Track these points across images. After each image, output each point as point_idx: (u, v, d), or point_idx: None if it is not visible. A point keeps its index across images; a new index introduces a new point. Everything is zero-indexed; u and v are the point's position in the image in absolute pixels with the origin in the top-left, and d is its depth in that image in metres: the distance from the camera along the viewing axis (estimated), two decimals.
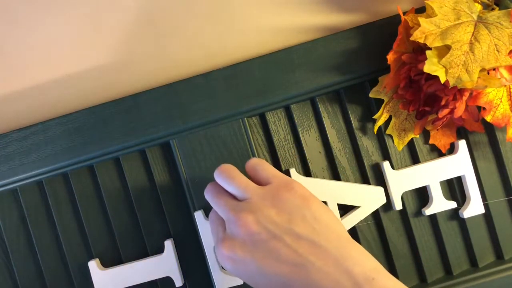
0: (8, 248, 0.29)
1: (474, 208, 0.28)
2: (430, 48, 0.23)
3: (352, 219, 0.28)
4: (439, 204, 0.28)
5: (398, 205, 0.28)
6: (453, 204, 0.28)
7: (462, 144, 0.28)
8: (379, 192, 0.28)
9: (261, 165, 0.24)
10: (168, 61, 0.29)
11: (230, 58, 0.29)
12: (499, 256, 0.29)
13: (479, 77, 0.22)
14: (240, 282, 0.28)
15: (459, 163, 0.28)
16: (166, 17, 0.29)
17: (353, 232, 0.29)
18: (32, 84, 0.29)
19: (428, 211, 0.28)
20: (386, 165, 0.28)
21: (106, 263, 0.29)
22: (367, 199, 0.28)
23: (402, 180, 0.28)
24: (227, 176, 0.23)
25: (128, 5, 0.29)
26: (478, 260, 0.29)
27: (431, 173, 0.28)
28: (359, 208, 0.28)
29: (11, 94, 0.30)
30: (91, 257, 0.29)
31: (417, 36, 0.22)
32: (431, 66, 0.22)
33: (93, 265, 0.28)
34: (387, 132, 0.28)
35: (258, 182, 0.23)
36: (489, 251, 0.29)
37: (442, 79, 0.22)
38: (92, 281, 0.27)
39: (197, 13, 0.29)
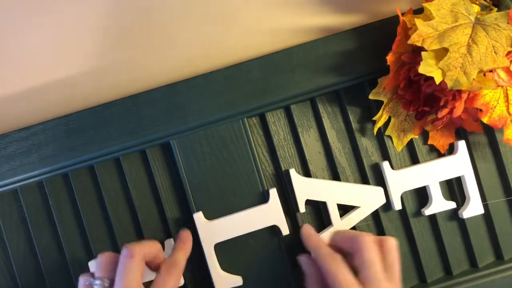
0: (8, 248, 0.29)
1: (473, 208, 0.28)
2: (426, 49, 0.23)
3: (352, 219, 0.28)
4: (439, 204, 0.28)
5: (397, 205, 0.28)
6: (452, 205, 0.28)
7: (461, 144, 0.28)
8: (378, 192, 0.28)
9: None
10: (168, 61, 0.30)
11: (230, 59, 0.29)
12: (499, 256, 0.29)
13: (474, 79, 0.22)
14: (240, 282, 0.28)
15: (458, 164, 0.28)
16: (166, 17, 0.29)
17: None
18: (33, 85, 0.30)
19: (428, 211, 0.28)
20: (385, 165, 0.28)
21: None
22: (367, 199, 0.28)
23: (401, 180, 0.28)
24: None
25: (129, 6, 0.29)
26: (478, 260, 0.29)
27: (430, 173, 0.28)
28: (359, 208, 0.28)
29: (12, 95, 0.30)
30: (91, 257, 0.29)
31: (415, 39, 0.23)
32: (427, 67, 0.23)
33: (93, 265, 0.28)
34: (387, 133, 0.28)
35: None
36: (489, 251, 0.29)
37: (437, 80, 0.22)
38: None
39: (197, 13, 0.29)
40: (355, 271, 0.23)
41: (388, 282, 0.23)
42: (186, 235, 0.27)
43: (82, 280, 0.24)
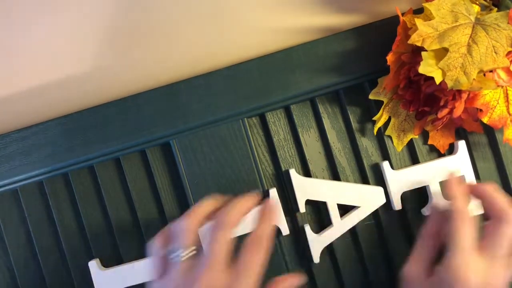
0: (8, 248, 0.29)
1: (474, 208, 0.28)
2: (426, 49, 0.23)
3: (352, 219, 0.28)
4: (439, 204, 0.28)
5: (397, 205, 0.28)
6: None
7: (461, 144, 0.28)
8: (378, 192, 0.28)
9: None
10: (168, 61, 0.30)
11: (230, 59, 0.29)
12: None
13: (474, 79, 0.22)
14: None
15: (458, 163, 0.28)
16: (166, 17, 0.29)
17: (353, 233, 0.29)
18: (33, 85, 0.30)
19: (428, 211, 0.28)
20: (385, 165, 0.28)
21: (106, 263, 0.29)
22: (367, 199, 0.28)
23: (401, 180, 0.28)
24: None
25: (129, 6, 0.29)
26: None
27: (431, 173, 0.28)
28: (359, 208, 0.28)
29: (12, 95, 0.30)
30: (91, 257, 0.29)
31: (415, 39, 0.23)
32: (427, 67, 0.23)
33: (93, 265, 0.28)
34: (387, 133, 0.28)
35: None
36: None
37: (438, 80, 0.22)
38: (92, 281, 0.27)
39: (197, 14, 0.29)
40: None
41: (505, 265, 0.23)
42: (270, 205, 0.25)
43: (151, 249, 0.23)
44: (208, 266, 0.21)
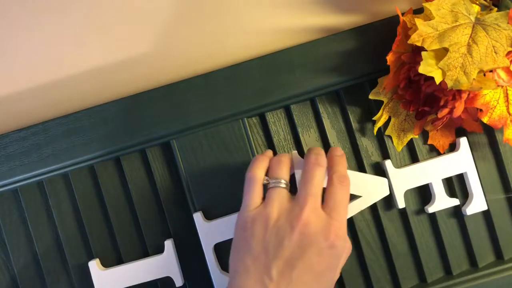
0: (8, 248, 0.29)
1: (477, 204, 0.28)
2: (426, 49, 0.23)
3: (353, 208, 0.27)
4: (442, 201, 0.28)
5: (401, 203, 0.28)
6: (455, 201, 0.28)
7: (463, 141, 0.28)
8: (382, 183, 0.27)
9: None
10: (168, 61, 0.30)
11: (230, 59, 0.29)
12: (499, 256, 0.29)
13: (474, 79, 0.22)
14: None
15: (461, 160, 0.28)
16: (165, 17, 0.29)
17: (353, 232, 0.29)
18: (33, 85, 0.30)
19: (431, 208, 0.28)
20: (388, 163, 0.28)
21: (106, 263, 0.29)
22: (370, 189, 0.27)
23: (404, 178, 0.28)
24: None
25: (128, 6, 0.29)
26: (478, 260, 0.29)
27: (433, 171, 0.28)
28: (361, 198, 0.27)
29: (12, 95, 0.30)
30: (91, 257, 0.29)
31: (415, 39, 0.23)
32: (427, 67, 0.23)
33: (93, 265, 0.28)
34: (387, 132, 0.28)
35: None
36: (489, 251, 0.29)
37: (438, 80, 0.22)
38: (92, 281, 0.27)
39: (197, 13, 0.29)
40: None
41: None
42: (339, 150, 0.26)
43: (256, 175, 0.24)
44: (309, 201, 0.22)
